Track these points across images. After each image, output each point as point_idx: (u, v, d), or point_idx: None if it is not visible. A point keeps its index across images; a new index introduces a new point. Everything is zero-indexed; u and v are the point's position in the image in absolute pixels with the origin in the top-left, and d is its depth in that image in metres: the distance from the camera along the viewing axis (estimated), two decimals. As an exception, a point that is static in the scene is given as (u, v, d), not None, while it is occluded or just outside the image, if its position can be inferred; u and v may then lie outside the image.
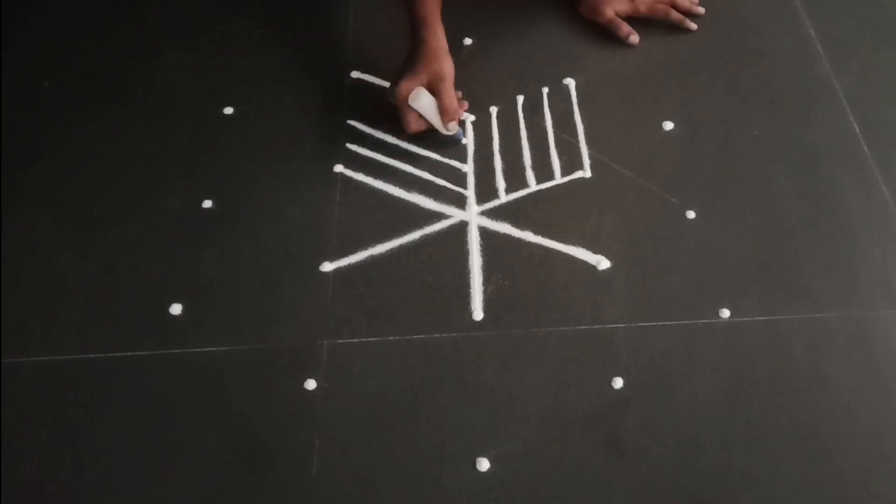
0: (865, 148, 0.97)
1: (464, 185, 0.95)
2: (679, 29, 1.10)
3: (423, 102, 0.93)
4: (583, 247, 0.89)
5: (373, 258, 0.89)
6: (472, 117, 1.02)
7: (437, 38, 0.96)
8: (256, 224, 0.92)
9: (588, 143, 0.98)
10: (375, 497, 0.73)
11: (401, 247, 0.90)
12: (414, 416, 0.78)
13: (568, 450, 0.75)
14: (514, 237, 0.90)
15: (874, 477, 0.73)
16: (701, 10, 1.12)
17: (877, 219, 0.91)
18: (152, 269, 0.89)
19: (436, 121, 0.95)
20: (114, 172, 0.98)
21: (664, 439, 0.76)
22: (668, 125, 1.00)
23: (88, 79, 1.09)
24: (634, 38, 1.09)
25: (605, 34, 1.10)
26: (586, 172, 0.96)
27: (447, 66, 0.95)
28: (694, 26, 1.10)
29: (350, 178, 0.96)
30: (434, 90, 0.94)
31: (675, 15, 1.10)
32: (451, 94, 0.94)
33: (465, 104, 1.00)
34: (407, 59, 0.96)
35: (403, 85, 0.93)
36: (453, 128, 0.95)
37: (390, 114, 0.99)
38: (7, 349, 0.84)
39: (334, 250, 0.90)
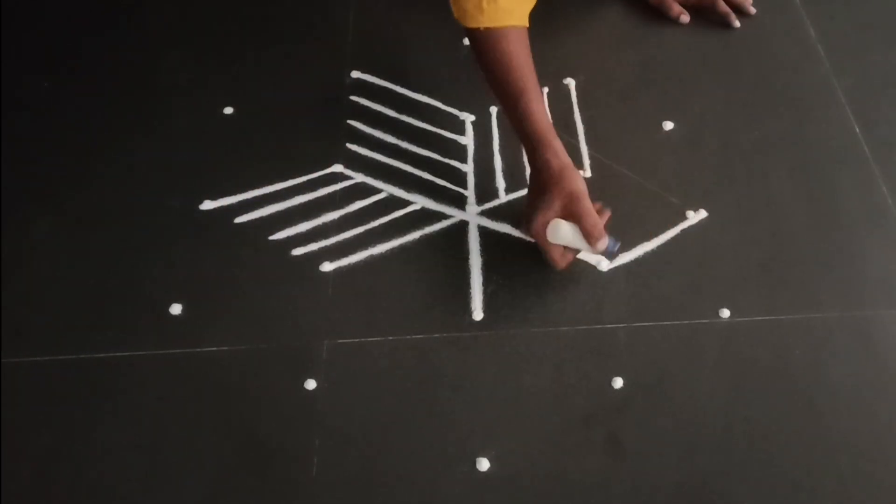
0: (865, 148, 0.97)
1: (464, 185, 0.95)
2: (680, 27, 1.10)
3: (563, 233, 0.82)
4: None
5: (373, 258, 0.89)
6: (472, 117, 1.02)
7: (559, 155, 0.84)
8: (257, 223, 0.92)
9: (588, 143, 0.98)
10: (375, 497, 0.73)
11: (401, 247, 0.90)
12: (414, 416, 0.78)
13: (568, 450, 0.75)
14: (514, 237, 0.90)
15: (874, 477, 0.73)
16: (752, 9, 1.12)
17: (877, 219, 0.91)
18: (152, 269, 0.89)
19: (582, 245, 0.83)
20: (113, 173, 0.98)
21: (664, 439, 0.76)
22: (668, 125, 1.00)
23: (88, 79, 1.09)
24: (685, 17, 1.11)
25: (604, 34, 1.10)
26: (586, 172, 0.96)
27: (578, 184, 0.83)
28: (738, 23, 1.11)
29: (350, 178, 0.96)
30: (571, 214, 0.82)
31: (722, 7, 1.11)
32: (592, 213, 0.81)
33: (608, 213, 0.86)
34: (532, 186, 0.86)
35: (539, 221, 0.82)
36: (602, 245, 0.82)
37: (390, 113, 0.99)
38: (7, 349, 0.84)
39: (334, 250, 0.90)
